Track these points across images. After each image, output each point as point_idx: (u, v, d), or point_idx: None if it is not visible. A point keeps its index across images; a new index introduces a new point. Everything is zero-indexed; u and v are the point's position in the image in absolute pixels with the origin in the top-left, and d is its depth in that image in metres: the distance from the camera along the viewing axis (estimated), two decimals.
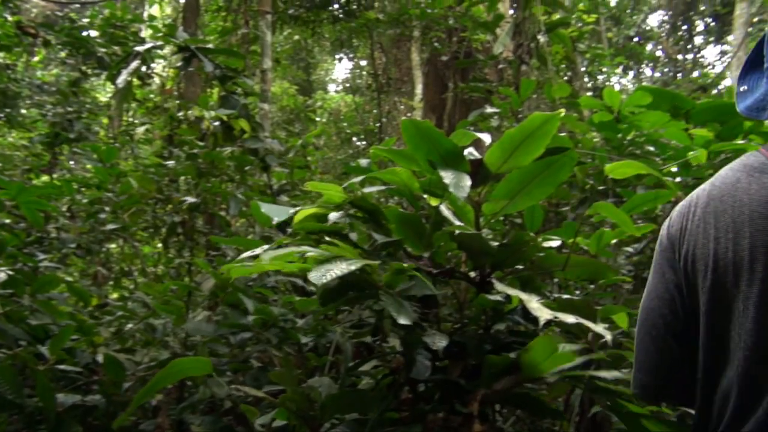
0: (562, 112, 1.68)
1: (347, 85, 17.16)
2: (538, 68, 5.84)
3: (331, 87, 19.50)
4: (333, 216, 1.77)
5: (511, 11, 7.16)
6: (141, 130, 6.83)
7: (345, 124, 13.12)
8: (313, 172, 4.79)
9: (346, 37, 10.90)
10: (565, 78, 8.02)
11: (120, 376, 2.15)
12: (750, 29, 12.36)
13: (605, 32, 12.10)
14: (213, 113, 3.85)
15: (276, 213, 1.97)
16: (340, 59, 16.95)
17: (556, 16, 6.76)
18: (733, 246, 0.94)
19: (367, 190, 1.97)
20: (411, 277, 1.70)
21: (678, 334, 1.06)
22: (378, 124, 9.62)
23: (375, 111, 11.13)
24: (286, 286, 3.24)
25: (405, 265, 1.63)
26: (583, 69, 8.57)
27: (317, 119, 12.37)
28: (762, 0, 11.10)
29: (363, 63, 15.30)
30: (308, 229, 1.80)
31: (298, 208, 1.85)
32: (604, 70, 9.92)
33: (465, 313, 2.00)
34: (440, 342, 1.61)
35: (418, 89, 10.14)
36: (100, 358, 2.30)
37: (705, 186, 1.06)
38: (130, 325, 2.80)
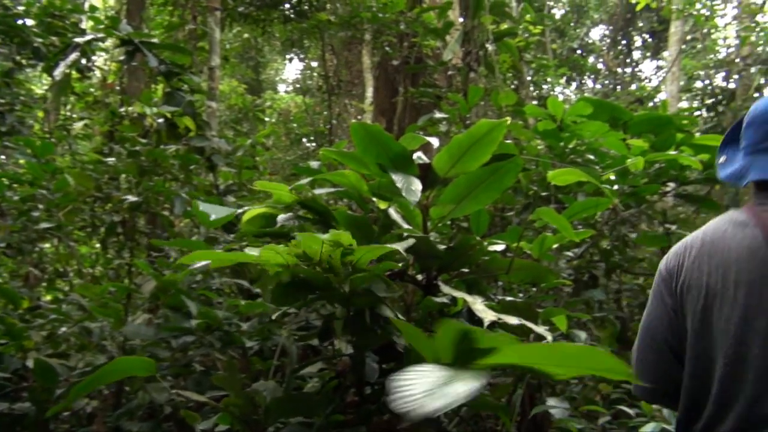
0: (509, 119, 1.73)
1: (297, 85, 17.01)
2: (486, 76, 5.97)
3: (281, 87, 19.29)
4: (282, 217, 1.76)
5: (461, 19, 7.30)
6: (79, 125, 6.54)
7: (295, 125, 12.99)
8: (261, 172, 4.72)
9: (296, 38, 10.81)
10: (512, 86, 8.24)
11: (52, 382, 2.05)
12: (683, 46, 13.07)
13: (550, 44, 12.51)
14: (157, 110, 3.73)
15: (218, 213, 1.93)
16: (290, 59, 16.78)
17: (504, 26, 6.93)
18: (722, 279, 1.25)
19: (316, 191, 1.96)
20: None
21: (673, 347, 1.34)
22: (328, 126, 9.58)
23: (325, 113, 11.08)
24: (231, 288, 3.18)
25: (369, 267, 1.63)
26: (528, 78, 8.82)
27: (266, 119, 12.20)
28: (695, 19, 11.75)
29: (314, 64, 15.22)
30: (256, 230, 1.77)
31: (245, 208, 1.82)
32: (549, 80, 10.25)
33: (412, 315, 2.02)
34: (400, 341, 1.62)
35: (369, 92, 10.17)
36: (30, 364, 2.18)
37: (698, 234, 1.38)
38: (63, 329, 2.67)
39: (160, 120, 3.77)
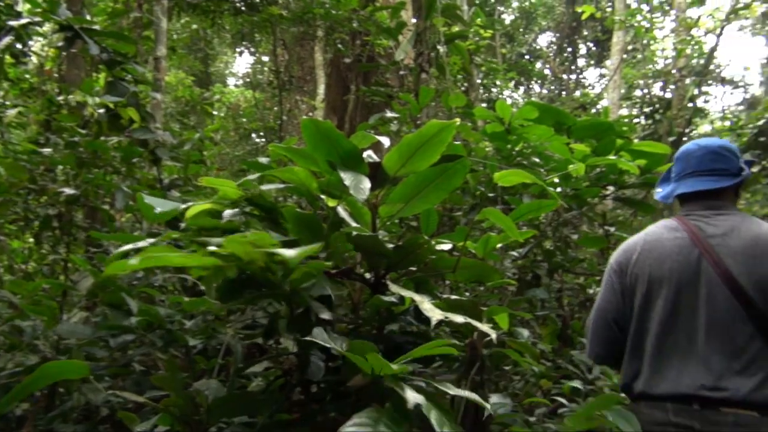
0: (458, 121, 1.75)
1: (248, 79, 16.69)
2: (437, 77, 6.04)
3: (231, 81, 18.90)
4: (228, 213, 1.72)
5: (414, 20, 7.35)
6: (13, 112, 6.19)
7: (244, 119, 12.75)
8: (208, 167, 4.61)
9: (247, 31, 10.60)
10: (462, 89, 8.36)
11: None
12: (624, 56, 13.62)
13: (500, 48, 12.78)
14: (98, 99, 3.58)
15: (162, 207, 1.87)
16: (240, 53, 16.44)
17: (456, 29, 7.03)
18: (659, 269, 1.74)
19: (264, 187, 1.94)
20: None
21: (618, 324, 1.82)
22: (279, 122, 9.45)
23: (276, 108, 10.93)
24: (175, 285, 3.09)
25: (309, 264, 1.61)
26: (478, 81, 8.99)
27: (215, 113, 11.92)
28: (635, 30, 12.27)
29: (265, 58, 14.98)
30: (201, 225, 1.73)
31: (190, 204, 1.77)
32: (498, 83, 10.47)
33: (359, 313, 2.03)
34: (342, 343, 1.62)
35: (321, 89, 10.10)
36: None
37: (641, 236, 1.85)
38: None
39: (102, 110, 3.61)
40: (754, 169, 8.62)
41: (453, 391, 1.47)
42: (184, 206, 1.76)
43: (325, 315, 1.62)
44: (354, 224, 1.82)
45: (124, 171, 3.83)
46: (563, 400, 2.81)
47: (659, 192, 1.97)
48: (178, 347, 2.33)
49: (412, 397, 1.31)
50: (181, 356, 2.37)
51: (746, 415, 1.53)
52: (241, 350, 1.97)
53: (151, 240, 1.49)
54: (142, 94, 4.45)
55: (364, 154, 1.78)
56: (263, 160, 2.46)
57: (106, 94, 3.65)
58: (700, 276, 1.68)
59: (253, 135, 12.81)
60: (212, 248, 1.41)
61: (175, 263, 1.43)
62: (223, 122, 12.10)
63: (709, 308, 1.65)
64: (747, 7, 11.67)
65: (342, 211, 1.87)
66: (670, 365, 1.64)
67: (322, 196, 1.90)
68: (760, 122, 8.50)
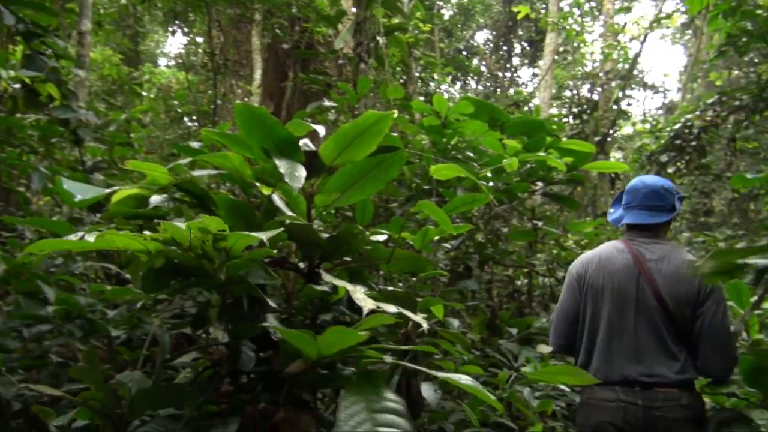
0: (395, 112, 1.76)
1: (180, 60, 16.05)
2: (376, 68, 6.04)
3: (162, 61, 18.13)
4: (156, 199, 1.65)
5: (354, 9, 7.30)
6: None
7: (176, 102, 12.25)
8: (136, 150, 4.40)
9: (180, 10, 10.18)
10: (400, 81, 8.41)
11: None
12: (556, 57, 14.13)
13: (438, 42, 12.93)
14: (13, 73, 3.33)
15: (83, 191, 1.77)
16: (173, 32, 15.75)
17: (395, 21, 7.05)
18: (609, 281, 2.25)
19: (196, 173, 1.87)
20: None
21: (576, 320, 2.33)
22: (212, 106, 9.15)
23: (210, 92, 10.57)
24: (98, 273, 2.94)
25: (252, 252, 1.58)
26: (416, 74, 9.06)
27: (144, 94, 11.38)
28: (567, 33, 12.74)
29: (199, 39, 14.43)
30: (126, 212, 1.65)
31: (115, 188, 1.69)
32: (436, 77, 10.60)
33: (293, 303, 2.01)
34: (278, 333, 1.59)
35: (257, 74, 9.86)
36: None
37: (595, 253, 2.36)
38: None
39: (17, 85, 3.37)
40: (670, 170, 9.20)
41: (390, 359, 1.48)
42: (108, 191, 1.67)
43: (273, 304, 1.59)
44: (289, 213, 1.80)
45: (42, 151, 3.60)
46: (490, 388, 2.90)
47: (611, 213, 2.51)
48: (100, 338, 2.23)
49: (389, 358, 1.33)
50: (103, 347, 2.27)
51: (671, 391, 2.14)
52: (168, 340, 1.91)
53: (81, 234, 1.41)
54: (64, 70, 4.19)
55: (300, 143, 1.76)
56: (195, 144, 2.38)
57: (23, 68, 3.41)
58: (638, 290, 2.23)
59: (185, 119, 12.35)
60: (149, 233, 1.35)
61: (117, 244, 1.35)
62: (153, 104, 11.59)
63: (643, 316, 2.21)
64: (669, 17, 12.39)
65: (277, 200, 1.84)
66: (616, 358, 2.21)
67: (257, 184, 1.86)
68: (677, 126, 9.07)
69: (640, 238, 2.31)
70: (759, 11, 7.53)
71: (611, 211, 2.53)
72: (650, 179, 2.38)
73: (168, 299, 2.32)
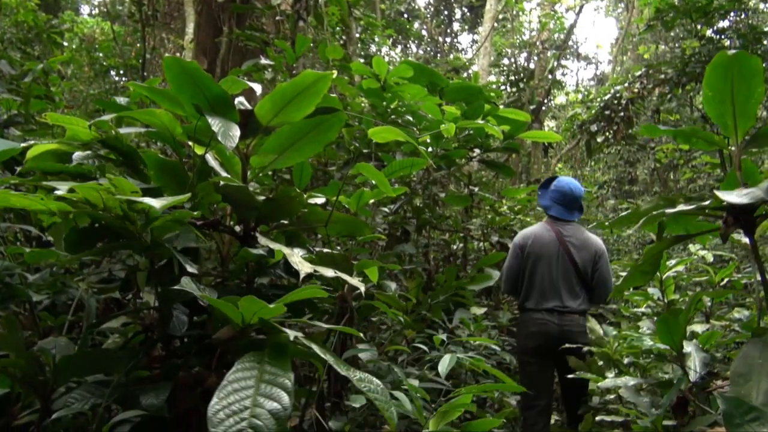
0: (334, 73, 1.72)
1: (104, 9, 15.00)
2: (315, 27, 5.88)
3: (84, 9, 16.89)
4: (78, 155, 1.55)
5: None
6: None
7: (101, 54, 11.47)
8: (56, 104, 4.11)
9: None
10: (340, 42, 8.24)
11: None
12: (495, 24, 14.23)
13: (379, 3, 12.70)
14: None
15: None
16: None
17: None
18: (540, 249, 3.57)
19: (122, 130, 1.77)
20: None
21: (519, 274, 3.64)
22: (141, 60, 8.65)
23: (138, 45, 9.97)
24: (17, 236, 2.76)
25: (173, 213, 1.51)
26: (356, 35, 8.89)
27: (64, 44, 10.58)
28: (506, 0, 12.83)
29: None
30: (45, 168, 1.55)
31: (31, 143, 1.57)
32: (376, 39, 10.45)
33: (228, 266, 1.97)
34: (210, 295, 1.55)
35: (190, 28, 9.36)
36: None
37: (532, 230, 3.72)
38: None
39: None
40: (599, 139, 9.58)
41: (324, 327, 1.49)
42: (24, 145, 1.56)
43: (191, 268, 1.54)
44: (223, 174, 1.74)
45: None
46: (425, 348, 2.99)
47: (540, 196, 3.80)
48: (20, 303, 2.11)
49: (291, 333, 1.32)
50: (24, 313, 2.15)
51: (573, 316, 3.48)
52: (94, 305, 1.83)
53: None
54: None
55: (235, 101, 1.69)
56: (121, 100, 2.25)
57: None
58: (558, 255, 3.56)
59: (112, 72, 11.61)
60: (60, 192, 1.27)
61: (13, 204, 1.26)
62: (75, 55, 10.82)
63: (562, 271, 3.54)
64: None
65: (211, 160, 1.78)
66: (546, 295, 3.52)
67: (189, 143, 1.79)
68: (606, 97, 9.41)
69: (560, 223, 3.66)
70: None
71: (540, 193, 3.81)
72: (576, 188, 3.66)
73: (95, 262, 2.21)
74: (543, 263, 3.53)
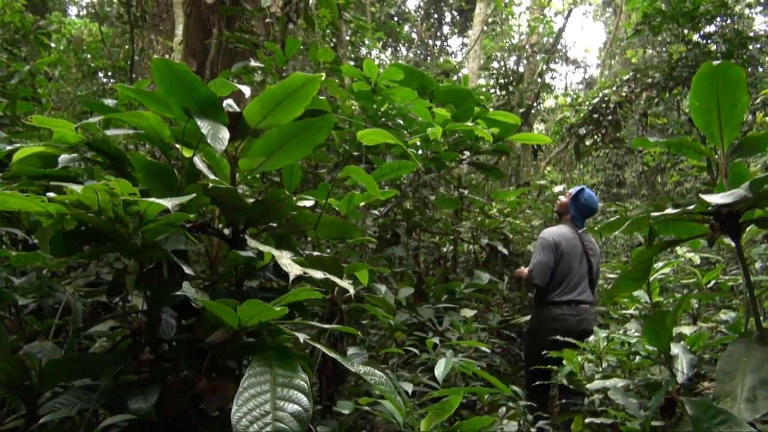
0: (324, 75, 1.72)
1: (93, 10, 14.89)
2: (305, 29, 5.87)
3: (72, 10, 16.76)
4: (65, 158, 1.54)
5: None
6: None
7: (88, 56, 11.38)
8: (43, 106, 4.08)
9: None
10: (330, 44, 8.24)
11: None
12: (485, 28, 14.30)
13: (369, 6, 12.72)
14: None
15: None
16: None
17: None
18: (570, 250, 4.22)
19: (110, 132, 1.76)
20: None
21: (551, 268, 4.17)
22: (129, 62, 8.59)
23: (126, 46, 9.90)
24: (2, 238, 2.73)
25: (167, 216, 1.50)
26: (347, 38, 8.90)
27: (52, 45, 10.49)
28: (496, 4, 12.89)
29: None
30: (31, 172, 1.53)
31: (17, 145, 1.56)
32: (366, 42, 10.46)
33: (217, 269, 1.96)
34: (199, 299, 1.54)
35: (179, 30, 9.32)
36: None
37: (561, 230, 4.31)
38: None
39: None
40: (588, 142, 9.64)
41: (312, 343, 1.48)
42: (10, 147, 1.54)
43: (189, 270, 1.53)
44: (212, 176, 1.73)
45: None
46: (416, 351, 2.99)
47: (571, 206, 4.36)
48: (6, 307, 2.08)
49: (301, 336, 1.32)
50: (10, 317, 2.12)
51: (589, 306, 4.15)
52: (81, 308, 1.81)
53: None
54: None
55: (224, 103, 1.69)
56: (109, 102, 2.23)
57: None
58: (581, 256, 4.23)
59: (100, 74, 11.53)
60: (53, 194, 1.25)
61: (11, 205, 1.25)
62: (63, 57, 10.73)
63: (583, 269, 4.22)
64: None
65: (199, 162, 1.77)
66: (574, 288, 4.15)
67: (177, 146, 1.78)
68: (595, 100, 9.48)
69: (579, 228, 4.31)
70: None
71: (571, 203, 4.36)
72: (595, 204, 4.36)
73: (83, 265, 2.19)
74: (572, 260, 4.20)
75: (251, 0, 5.75)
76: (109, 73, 11.16)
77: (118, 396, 1.48)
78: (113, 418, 1.44)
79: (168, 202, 1.26)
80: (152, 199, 1.28)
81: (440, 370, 2.35)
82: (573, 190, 4.39)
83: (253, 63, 4.28)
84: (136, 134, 1.78)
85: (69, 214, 1.32)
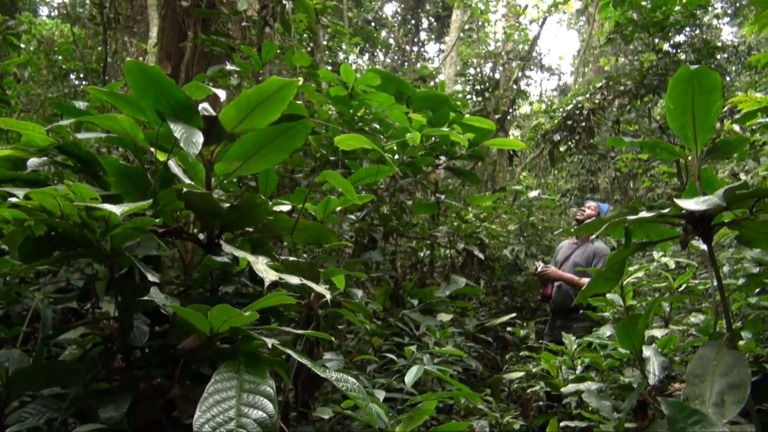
0: (300, 80, 1.72)
1: (64, 11, 14.60)
2: (281, 33, 5.85)
3: (43, 10, 16.43)
4: (33, 162, 1.50)
5: None
6: None
7: (60, 57, 11.15)
8: (12, 108, 3.98)
9: None
10: (307, 49, 8.22)
11: None
12: (461, 34, 14.44)
13: (346, 12, 12.74)
14: None
15: None
16: None
17: None
18: (560, 247, 5.18)
19: (81, 135, 1.72)
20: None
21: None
22: (102, 64, 8.44)
23: (99, 48, 9.73)
24: None
25: (134, 220, 1.47)
26: (324, 43, 8.89)
27: (21, 46, 10.25)
28: (472, 11, 13.02)
29: None
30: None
31: None
32: (344, 47, 10.46)
33: (191, 275, 1.93)
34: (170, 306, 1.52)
35: (154, 32, 9.20)
36: None
37: (561, 241, 5.55)
38: None
39: None
40: (562, 148, 9.78)
41: (289, 351, 1.47)
42: None
43: (153, 277, 1.50)
44: (186, 180, 1.71)
45: None
46: (393, 356, 2.99)
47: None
48: None
49: (269, 340, 1.31)
50: None
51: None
52: (50, 315, 1.77)
53: None
54: None
55: (199, 107, 1.67)
56: (81, 104, 2.18)
57: None
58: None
59: (71, 76, 11.30)
60: (15, 199, 1.22)
61: None
62: (33, 58, 10.50)
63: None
64: (565, 2, 13.03)
65: (174, 166, 1.75)
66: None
67: (151, 149, 1.75)
68: (569, 107, 9.63)
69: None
70: (644, 2, 8.11)
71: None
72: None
73: (52, 271, 2.14)
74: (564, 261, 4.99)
75: (227, 3, 5.72)
76: (81, 76, 10.96)
77: (89, 405, 1.45)
78: (83, 428, 1.40)
79: (118, 209, 1.23)
80: (104, 205, 1.25)
81: (410, 377, 2.35)
82: (599, 206, 5.09)
83: (229, 66, 4.25)
84: (109, 138, 1.75)
85: (29, 220, 1.29)
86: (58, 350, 1.98)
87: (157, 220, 1.43)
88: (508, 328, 5.10)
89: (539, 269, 4.86)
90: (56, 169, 1.57)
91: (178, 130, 1.46)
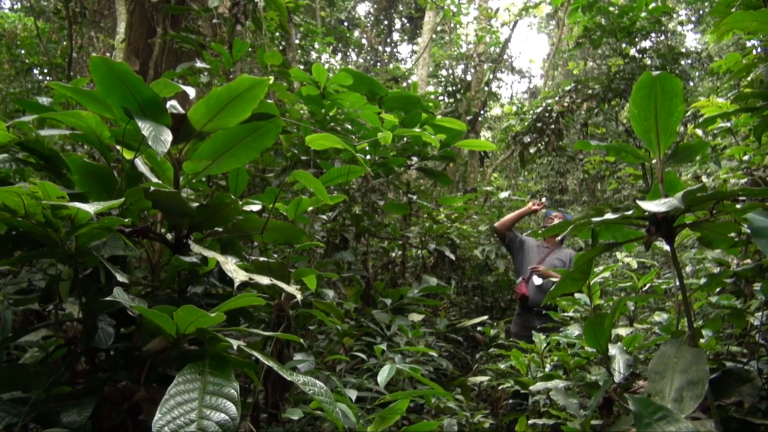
0: (271, 78, 1.70)
1: (28, 4, 14.17)
2: (253, 31, 5.79)
3: (6, 3, 15.93)
4: None
5: None
6: None
7: (22, 51, 10.83)
8: None
9: None
10: (279, 47, 8.16)
11: None
12: (434, 36, 14.51)
13: (319, 11, 12.68)
14: None
15: None
16: None
17: None
18: (529, 249, 5.33)
19: (44, 132, 1.68)
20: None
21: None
22: (67, 59, 8.22)
23: (65, 43, 9.47)
24: None
25: (101, 220, 1.44)
26: (296, 41, 8.83)
27: None
28: (444, 13, 13.10)
29: None
30: None
31: None
32: (316, 46, 10.41)
33: (158, 275, 1.89)
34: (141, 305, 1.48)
35: (121, 28, 9.00)
36: None
37: (526, 236, 5.57)
38: None
39: None
40: (532, 150, 9.93)
41: (259, 355, 1.46)
42: None
43: (121, 277, 1.47)
44: (154, 179, 1.68)
45: None
46: (363, 356, 2.99)
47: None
48: None
49: (234, 342, 1.29)
50: None
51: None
52: (10, 317, 1.72)
53: None
54: None
55: (168, 104, 1.64)
56: (44, 100, 2.13)
57: None
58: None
59: (35, 71, 10.98)
60: None
61: None
62: None
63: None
64: (536, 6, 13.21)
65: (141, 165, 1.71)
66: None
67: (118, 147, 1.72)
68: (539, 110, 9.78)
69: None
70: (612, 8, 8.28)
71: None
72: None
73: (13, 272, 2.08)
74: (530, 256, 5.26)
75: (198, 0, 5.63)
76: (45, 71, 10.66)
77: (51, 409, 1.41)
78: None
79: (90, 208, 1.20)
80: (75, 204, 1.22)
81: (383, 376, 2.35)
82: (565, 216, 5.40)
83: (199, 64, 4.19)
84: (74, 135, 1.70)
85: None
86: (19, 353, 1.93)
87: (126, 220, 1.40)
88: (479, 328, 5.15)
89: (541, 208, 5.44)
90: (17, 167, 1.52)
91: (146, 127, 1.44)
